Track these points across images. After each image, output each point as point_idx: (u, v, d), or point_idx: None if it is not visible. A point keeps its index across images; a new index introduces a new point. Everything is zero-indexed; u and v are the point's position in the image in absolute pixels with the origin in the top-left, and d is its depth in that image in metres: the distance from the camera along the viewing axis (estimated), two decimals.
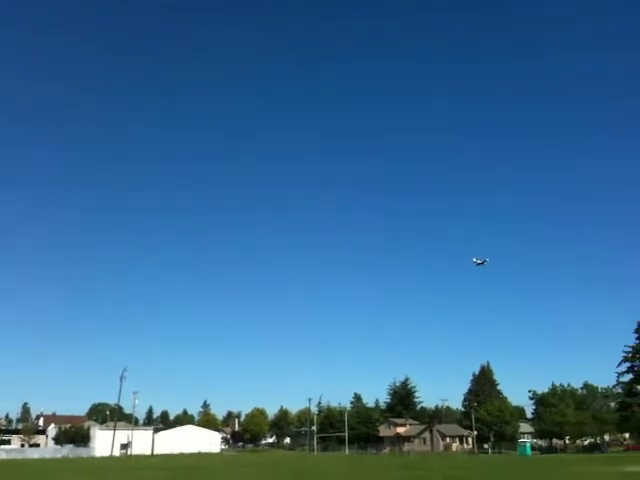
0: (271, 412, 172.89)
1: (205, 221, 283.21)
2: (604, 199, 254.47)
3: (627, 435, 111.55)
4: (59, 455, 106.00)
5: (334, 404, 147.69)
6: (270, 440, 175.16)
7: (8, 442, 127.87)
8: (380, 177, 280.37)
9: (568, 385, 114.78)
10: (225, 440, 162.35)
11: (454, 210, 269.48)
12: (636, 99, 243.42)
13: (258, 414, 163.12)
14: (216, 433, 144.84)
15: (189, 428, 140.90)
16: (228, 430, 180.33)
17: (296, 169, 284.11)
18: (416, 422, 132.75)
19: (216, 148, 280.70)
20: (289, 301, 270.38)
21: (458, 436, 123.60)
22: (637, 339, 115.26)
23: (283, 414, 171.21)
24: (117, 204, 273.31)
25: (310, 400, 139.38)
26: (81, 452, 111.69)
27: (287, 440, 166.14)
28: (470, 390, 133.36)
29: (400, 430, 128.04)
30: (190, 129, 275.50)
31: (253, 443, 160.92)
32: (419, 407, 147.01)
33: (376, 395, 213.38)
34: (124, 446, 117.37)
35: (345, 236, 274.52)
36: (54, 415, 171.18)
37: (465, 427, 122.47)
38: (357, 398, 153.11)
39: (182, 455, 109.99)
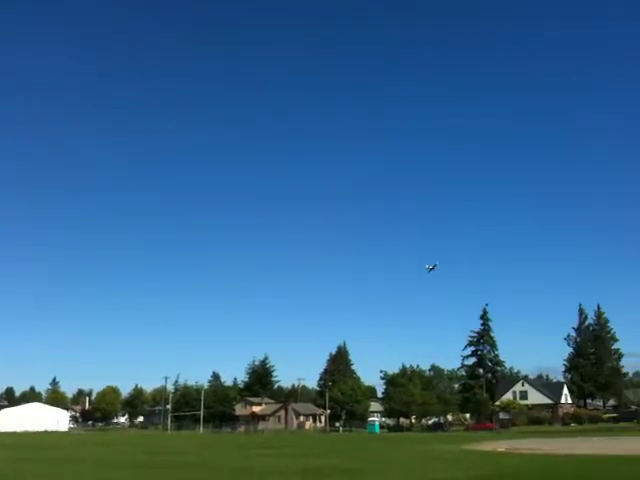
0: (125, 390, 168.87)
1: None
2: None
3: (468, 415, 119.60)
4: None
5: (191, 383, 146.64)
6: (122, 419, 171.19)
7: None
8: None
9: (417, 366, 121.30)
10: (74, 419, 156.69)
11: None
12: None
13: (110, 392, 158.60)
14: (64, 411, 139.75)
15: (36, 406, 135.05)
16: (78, 408, 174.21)
17: None
18: (272, 401, 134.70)
19: None
20: (145, 278, 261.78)
21: (312, 415, 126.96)
22: (482, 325, 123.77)
23: (137, 393, 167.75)
24: None
25: (166, 379, 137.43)
26: None
27: (140, 419, 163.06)
28: (326, 370, 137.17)
29: (256, 409, 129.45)
30: None
31: (104, 422, 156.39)
32: (276, 386, 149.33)
33: (235, 374, 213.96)
34: None
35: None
36: None
37: (319, 406, 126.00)
38: (215, 377, 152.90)
39: (26, 433, 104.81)
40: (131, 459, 37.21)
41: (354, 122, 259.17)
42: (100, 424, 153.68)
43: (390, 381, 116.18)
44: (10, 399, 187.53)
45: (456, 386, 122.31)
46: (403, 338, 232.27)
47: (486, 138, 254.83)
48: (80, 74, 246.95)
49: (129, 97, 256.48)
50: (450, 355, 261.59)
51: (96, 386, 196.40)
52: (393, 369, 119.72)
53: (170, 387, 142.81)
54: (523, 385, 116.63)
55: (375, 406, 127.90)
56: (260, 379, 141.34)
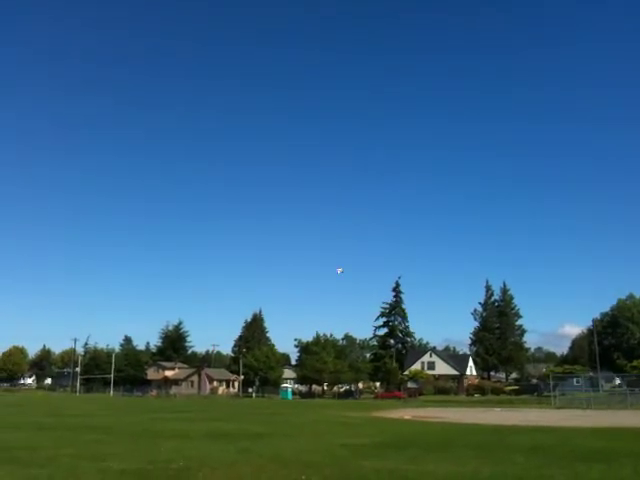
0: (32, 351, 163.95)
1: None
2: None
3: (378, 384, 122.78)
4: None
5: (102, 346, 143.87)
6: (29, 380, 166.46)
7: None
8: None
9: (331, 335, 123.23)
10: None
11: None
12: None
13: (16, 352, 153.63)
14: None
15: None
16: None
17: None
18: (186, 366, 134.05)
19: None
20: (54, 233, 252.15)
21: (225, 380, 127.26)
22: (394, 297, 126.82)
23: (45, 354, 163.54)
24: None
25: (75, 340, 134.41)
26: None
27: (48, 381, 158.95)
28: (241, 336, 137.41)
29: (169, 373, 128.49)
30: None
31: (10, 383, 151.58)
32: (190, 352, 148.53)
33: (148, 339, 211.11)
34: None
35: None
36: None
37: (233, 372, 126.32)
38: (127, 340, 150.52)
39: None
40: (35, 420, 36.33)
41: None
42: (5, 385, 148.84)
43: (304, 349, 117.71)
44: None
45: (368, 355, 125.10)
46: (318, 308, 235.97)
47: None
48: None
49: None
50: (363, 326, 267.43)
51: (0, 346, 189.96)
52: (308, 338, 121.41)
53: (80, 349, 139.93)
54: (431, 356, 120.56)
55: (289, 373, 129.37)
56: (173, 344, 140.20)
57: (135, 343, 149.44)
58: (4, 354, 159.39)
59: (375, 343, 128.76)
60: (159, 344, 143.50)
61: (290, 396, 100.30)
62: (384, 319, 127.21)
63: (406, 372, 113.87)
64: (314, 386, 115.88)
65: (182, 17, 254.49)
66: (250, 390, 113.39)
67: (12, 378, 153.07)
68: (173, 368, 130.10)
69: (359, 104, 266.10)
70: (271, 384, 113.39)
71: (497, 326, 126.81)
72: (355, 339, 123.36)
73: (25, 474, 14.52)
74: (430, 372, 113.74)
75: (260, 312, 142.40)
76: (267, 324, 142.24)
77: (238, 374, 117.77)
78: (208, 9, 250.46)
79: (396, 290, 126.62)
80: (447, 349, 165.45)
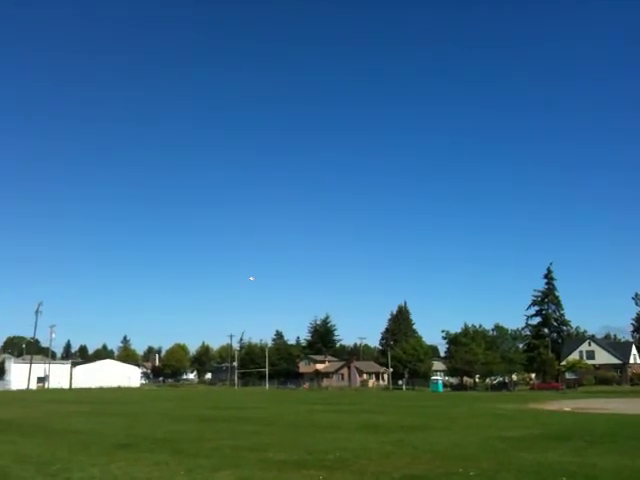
0: (192, 348, 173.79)
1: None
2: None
3: (533, 375, 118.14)
4: None
5: (255, 341, 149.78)
6: (191, 375, 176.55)
7: None
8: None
9: (480, 326, 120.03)
10: (145, 375, 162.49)
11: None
12: None
13: (179, 349, 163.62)
14: (136, 368, 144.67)
15: (108, 362, 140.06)
16: (149, 365, 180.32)
17: None
18: (335, 359, 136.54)
19: None
20: (211, 235, 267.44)
21: (375, 373, 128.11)
22: (546, 284, 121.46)
23: (204, 350, 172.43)
24: None
25: (232, 337, 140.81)
26: None
27: (208, 375, 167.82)
28: (387, 329, 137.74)
29: (319, 367, 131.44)
30: None
31: (174, 378, 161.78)
32: (338, 345, 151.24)
33: (297, 332, 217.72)
34: (41, 380, 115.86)
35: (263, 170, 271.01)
36: None
37: (381, 364, 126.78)
38: (279, 335, 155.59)
39: (100, 389, 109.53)
40: (198, 413, 38.45)
41: None
42: (170, 380, 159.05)
43: (452, 340, 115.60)
44: (83, 356, 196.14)
45: (520, 346, 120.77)
46: (465, 298, 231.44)
47: None
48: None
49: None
50: (514, 315, 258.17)
51: (165, 343, 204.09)
52: (455, 329, 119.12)
53: (235, 345, 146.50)
54: (590, 345, 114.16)
55: (438, 365, 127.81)
56: (322, 337, 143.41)
57: (286, 338, 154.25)
58: (168, 351, 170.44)
59: (528, 333, 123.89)
60: (308, 338, 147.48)
61: (441, 388, 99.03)
62: (536, 308, 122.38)
63: (563, 362, 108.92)
64: (465, 378, 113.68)
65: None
66: (400, 382, 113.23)
67: (175, 374, 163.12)
68: (323, 361, 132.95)
69: None
70: (420, 376, 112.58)
71: None
72: (506, 329, 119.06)
73: (192, 463, 15.34)
74: (589, 362, 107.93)
75: (405, 304, 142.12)
76: (413, 316, 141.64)
77: (387, 367, 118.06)
78: None
79: (548, 277, 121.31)
80: (607, 337, 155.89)
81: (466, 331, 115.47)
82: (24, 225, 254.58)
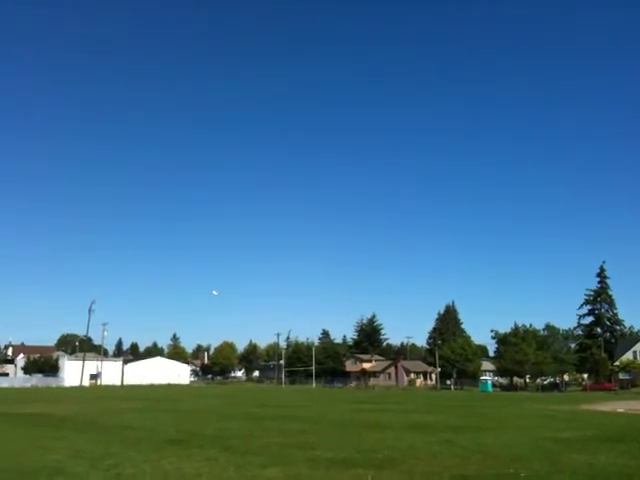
0: (240, 346, 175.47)
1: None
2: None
3: (585, 376, 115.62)
4: (28, 384, 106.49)
5: (302, 339, 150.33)
6: (239, 373, 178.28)
7: None
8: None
9: (530, 326, 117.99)
10: (194, 372, 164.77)
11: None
12: None
13: (227, 347, 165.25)
14: (185, 365, 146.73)
15: (159, 360, 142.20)
16: (197, 363, 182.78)
17: None
18: (382, 358, 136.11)
19: None
20: (259, 236, 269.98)
21: (422, 372, 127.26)
22: (599, 283, 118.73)
23: (252, 348, 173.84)
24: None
25: (278, 335, 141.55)
26: (50, 382, 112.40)
27: (256, 373, 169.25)
28: (435, 328, 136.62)
29: (366, 366, 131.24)
30: None
31: (222, 375, 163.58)
32: (385, 344, 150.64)
33: (343, 331, 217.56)
34: (93, 376, 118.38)
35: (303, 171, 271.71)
36: (23, 345, 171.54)
37: (429, 364, 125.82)
38: (325, 334, 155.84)
39: (151, 386, 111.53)
40: (247, 411, 38.79)
41: None
42: (218, 378, 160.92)
43: (502, 340, 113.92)
44: (134, 354, 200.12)
45: (572, 346, 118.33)
46: (515, 298, 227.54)
47: None
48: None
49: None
50: (566, 314, 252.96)
51: (213, 341, 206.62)
52: (505, 329, 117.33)
53: (282, 343, 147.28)
54: None
55: (487, 365, 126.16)
56: (369, 337, 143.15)
57: (332, 336, 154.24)
58: (216, 349, 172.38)
59: (580, 332, 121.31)
60: (355, 337, 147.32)
61: (490, 388, 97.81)
62: (589, 307, 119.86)
63: (616, 362, 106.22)
64: (515, 378, 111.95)
65: None
66: (448, 382, 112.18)
67: (224, 371, 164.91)
68: (370, 360, 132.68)
69: None
70: (469, 376, 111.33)
71: None
72: (558, 329, 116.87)
73: (242, 460, 15.50)
74: None
75: (453, 304, 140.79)
76: (461, 316, 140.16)
77: (434, 366, 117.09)
78: None
79: (601, 275, 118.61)
80: None
81: (516, 331, 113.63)
82: (78, 226, 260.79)
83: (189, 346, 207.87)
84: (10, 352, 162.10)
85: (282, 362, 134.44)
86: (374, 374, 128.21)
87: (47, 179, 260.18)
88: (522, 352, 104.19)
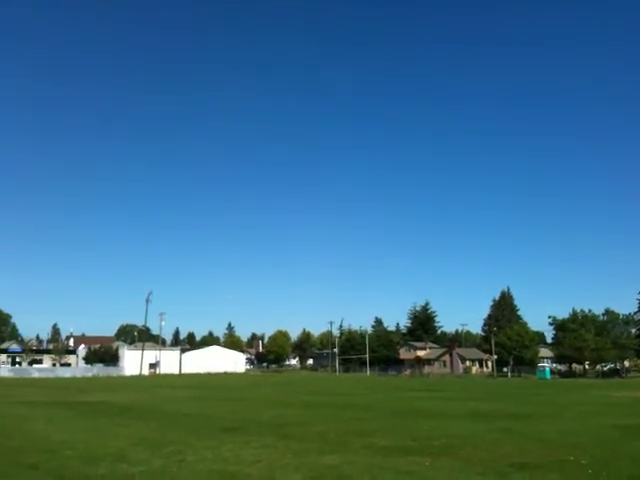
0: (294, 334, 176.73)
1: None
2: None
3: None
4: (89, 374, 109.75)
5: (355, 327, 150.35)
6: (293, 361, 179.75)
7: (40, 362, 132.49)
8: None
9: (589, 311, 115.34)
10: (250, 361, 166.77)
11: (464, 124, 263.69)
12: None
13: (281, 336, 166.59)
14: (241, 354, 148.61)
15: (215, 349, 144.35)
16: (252, 351, 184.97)
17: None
18: (436, 346, 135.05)
19: None
20: (313, 224, 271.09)
21: (477, 359, 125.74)
22: None
23: (305, 336, 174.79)
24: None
25: (332, 323, 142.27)
26: (111, 371, 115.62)
27: (310, 361, 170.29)
28: (490, 315, 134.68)
29: (420, 353, 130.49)
30: None
31: (277, 364, 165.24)
32: (439, 331, 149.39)
33: (397, 319, 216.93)
34: (152, 366, 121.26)
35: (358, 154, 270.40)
36: (83, 336, 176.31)
37: (484, 351, 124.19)
38: (378, 322, 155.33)
39: (208, 374, 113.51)
40: (302, 399, 39.11)
41: None
42: (273, 366, 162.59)
43: (560, 326, 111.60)
44: (191, 343, 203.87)
45: (633, 331, 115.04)
46: (573, 283, 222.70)
47: None
48: None
49: None
50: (626, 299, 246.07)
51: (268, 330, 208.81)
52: (562, 314, 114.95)
53: (335, 331, 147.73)
54: None
55: (544, 352, 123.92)
56: (422, 324, 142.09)
57: (385, 324, 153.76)
58: (270, 338, 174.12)
59: None
60: (408, 325, 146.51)
61: (548, 375, 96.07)
62: None
63: None
64: (574, 365, 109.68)
65: None
66: (505, 370, 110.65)
67: (278, 360, 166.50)
68: (424, 348, 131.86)
69: None
70: (526, 363, 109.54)
71: None
72: (617, 314, 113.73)
73: (299, 447, 15.66)
74: None
75: (509, 290, 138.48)
76: (517, 302, 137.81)
77: (490, 353, 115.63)
78: None
79: None
80: None
81: (574, 316, 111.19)
82: (138, 220, 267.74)
83: (244, 335, 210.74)
84: (72, 343, 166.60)
85: (336, 350, 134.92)
86: (428, 362, 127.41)
87: (110, 178, 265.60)
88: (581, 338, 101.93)
